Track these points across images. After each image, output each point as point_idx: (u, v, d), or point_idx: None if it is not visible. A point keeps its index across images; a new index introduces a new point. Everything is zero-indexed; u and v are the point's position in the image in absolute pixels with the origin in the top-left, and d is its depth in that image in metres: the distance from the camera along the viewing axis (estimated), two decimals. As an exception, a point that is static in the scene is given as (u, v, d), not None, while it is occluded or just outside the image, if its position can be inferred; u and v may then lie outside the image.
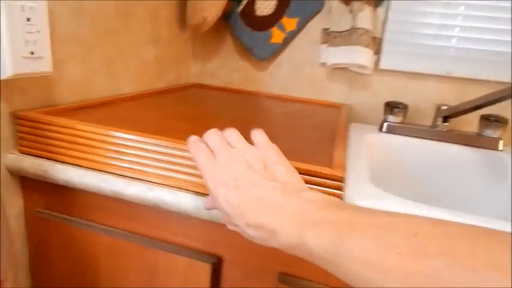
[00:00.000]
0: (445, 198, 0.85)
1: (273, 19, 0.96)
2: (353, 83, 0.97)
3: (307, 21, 0.96)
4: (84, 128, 0.49)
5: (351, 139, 0.80)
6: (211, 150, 0.37)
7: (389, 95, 0.95)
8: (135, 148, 0.47)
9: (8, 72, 0.47)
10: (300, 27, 0.96)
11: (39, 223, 0.55)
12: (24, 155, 0.51)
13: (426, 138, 0.86)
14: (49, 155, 0.51)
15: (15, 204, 0.54)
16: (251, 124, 0.69)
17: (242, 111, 0.78)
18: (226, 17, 0.98)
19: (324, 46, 0.96)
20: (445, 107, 0.84)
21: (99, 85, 0.68)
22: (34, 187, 0.54)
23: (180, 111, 0.70)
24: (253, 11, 0.96)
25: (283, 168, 0.36)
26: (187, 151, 0.43)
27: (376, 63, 0.93)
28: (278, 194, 0.32)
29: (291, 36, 0.97)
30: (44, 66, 0.52)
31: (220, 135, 0.38)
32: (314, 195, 0.32)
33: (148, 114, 0.63)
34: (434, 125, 0.86)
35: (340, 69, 0.96)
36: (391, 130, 0.88)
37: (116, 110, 0.63)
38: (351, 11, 0.89)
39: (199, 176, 0.45)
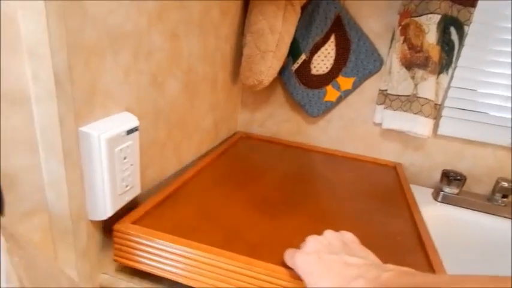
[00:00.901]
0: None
1: (328, 78, 0.94)
2: (407, 144, 0.96)
3: (364, 81, 0.94)
4: (189, 249, 0.48)
5: None
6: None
7: (443, 159, 0.94)
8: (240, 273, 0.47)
9: (108, 213, 0.48)
10: (356, 87, 0.94)
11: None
12: (119, 275, 0.53)
13: (482, 212, 0.86)
14: (146, 268, 0.51)
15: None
16: (311, 185, 0.72)
17: (296, 169, 0.79)
18: (279, 71, 0.96)
19: (380, 107, 0.94)
20: (505, 184, 0.83)
21: (171, 175, 0.69)
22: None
23: (240, 181, 0.71)
24: (308, 69, 0.94)
25: (358, 248, 0.43)
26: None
27: (434, 128, 0.91)
28: (352, 275, 0.37)
29: (345, 95, 0.95)
30: (135, 191, 0.53)
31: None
32: (392, 267, 0.38)
33: (217, 202, 0.64)
34: (491, 199, 0.86)
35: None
36: (446, 201, 0.87)
37: (191, 198, 0.64)
38: (412, 77, 0.87)
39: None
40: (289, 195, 0.69)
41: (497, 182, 0.84)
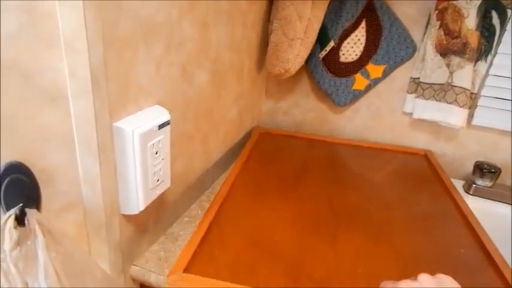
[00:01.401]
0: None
1: (357, 65, 0.90)
2: (438, 134, 0.92)
3: (394, 69, 0.90)
4: None
5: None
6: None
7: (476, 150, 0.90)
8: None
9: (140, 207, 0.48)
10: (386, 75, 0.91)
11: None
12: (149, 267, 0.54)
13: (517, 206, 0.82)
14: None
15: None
16: (352, 188, 0.69)
17: (330, 167, 0.77)
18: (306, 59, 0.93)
19: (411, 96, 0.90)
20: (544, 178, 0.79)
21: (197, 165, 0.69)
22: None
23: (278, 189, 0.68)
24: (337, 57, 0.90)
25: None
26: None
27: (468, 118, 0.87)
28: None
29: (375, 84, 0.92)
30: (166, 184, 0.53)
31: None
32: None
33: (265, 223, 0.61)
34: (528, 193, 0.82)
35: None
36: (478, 193, 0.84)
37: (236, 222, 0.61)
38: (447, 65, 0.83)
39: None
40: (335, 204, 0.65)
41: (535, 176, 0.80)
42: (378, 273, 0.48)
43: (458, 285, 0.38)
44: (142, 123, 0.44)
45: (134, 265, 0.54)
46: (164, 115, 0.49)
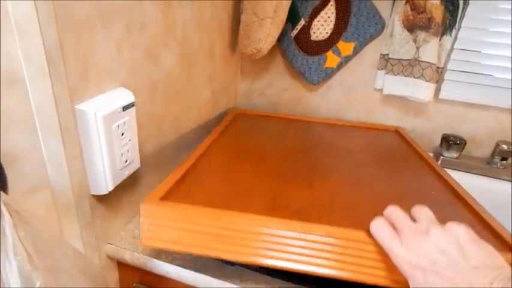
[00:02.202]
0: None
1: (328, 43, 0.92)
2: (408, 109, 0.95)
3: (364, 46, 0.91)
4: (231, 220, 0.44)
5: None
6: (396, 229, 0.38)
7: (444, 123, 0.93)
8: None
9: (109, 187, 0.49)
10: (356, 52, 0.92)
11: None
12: (123, 245, 0.56)
13: (481, 175, 0.86)
14: (186, 248, 0.45)
15: (113, 277, 0.60)
16: (325, 156, 0.71)
17: (304, 142, 0.79)
18: (278, 38, 0.94)
19: (381, 72, 0.92)
20: (504, 147, 0.83)
21: (169, 145, 0.70)
22: (130, 266, 0.59)
23: (255, 157, 0.69)
24: (308, 35, 0.91)
25: (477, 248, 0.34)
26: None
27: (436, 92, 0.90)
28: (486, 282, 0.31)
29: (346, 61, 0.93)
30: (135, 165, 0.54)
31: (402, 213, 0.39)
32: None
33: (243, 174, 0.60)
34: (491, 162, 0.86)
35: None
36: (446, 165, 0.88)
37: (214, 172, 0.60)
38: (414, 40, 0.85)
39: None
40: (310, 166, 0.67)
41: (497, 145, 0.84)
42: (352, 208, 0.51)
43: (474, 235, 0.35)
44: (105, 105, 0.45)
45: (109, 243, 0.56)
46: (128, 97, 0.50)
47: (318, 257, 0.42)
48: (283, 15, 0.85)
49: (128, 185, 0.58)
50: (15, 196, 0.40)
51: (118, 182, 0.51)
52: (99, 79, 0.47)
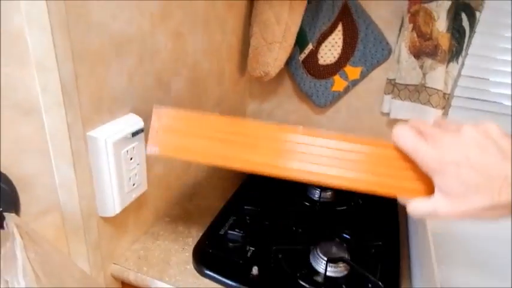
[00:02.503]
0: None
1: (335, 67, 0.93)
2: (415, 133, 0.95)
3: (371, 70, 0.93)
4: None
5: None
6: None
7: (452, 149, 0.93)
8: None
9: (117, 210, 0.51)
10: (364, 76, 0.93)
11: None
12: (128, 266, 0.57)
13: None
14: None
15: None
16: None
17: None
18: (286, 61, 0.96)
19: (388, 96, 0.93)
20: None
21: (178, 168, 0.72)
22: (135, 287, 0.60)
23: None
24: (316, 60, 0.93)
25: (510, 142, 0.33)
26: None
27: (443, 118, 0.90)
28: None
29: (353, 85, 0.95)
30: (142, 188, 0.56)
31: (425, 122, 0.38)
32: None
33: None
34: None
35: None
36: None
37: None
38: (421, 67, 0.85)
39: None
40: None
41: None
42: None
43: (504, 131, 0.34)
44: (115, 132, 0.47)
45: (114, 264, 0.57)
46: (138, 123, 0.52)
47: (333, 166, 0.40)
48: (291, 40, 0.87)
49: (135, 206, 0.59)
50: (26, 218, 0.42)
51: (125, 205, 0.52)
52: (111, 106, 0.49)
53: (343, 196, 0.80)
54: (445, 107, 0.89)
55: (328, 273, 0.57)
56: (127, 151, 0.49)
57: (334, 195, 0.80)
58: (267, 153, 0.41)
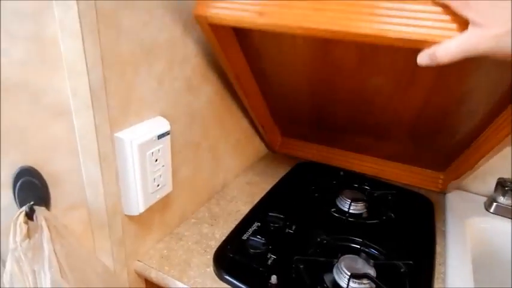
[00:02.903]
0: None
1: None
2: (459, 147, 0.89)
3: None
4: None
5: (451, 211, 0.78)
6: None
7: (502, 166, 0.85)
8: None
9: (140, 209, 0.53)
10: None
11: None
12: (151, 264, 0.59)
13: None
14: None
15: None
16: None
17: None
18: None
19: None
20: None
21: (205, 170, 0.73)
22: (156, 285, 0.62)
23: None
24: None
25: None
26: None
27: (492, 131, 0.83)
28: None
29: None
30: (167, 189, 0.58)
31: None
32: None
33: None
34: (556, 214, 0.77)
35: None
36: (500, 212, 0.80)
37: None
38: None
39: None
40: None
41: None
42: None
43: None
44: (141, 134, 0.49)
45: (138, 261, 0.59)
46: (164, 126, 0.53)
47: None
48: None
49: (160, 207, 0.61)
50: (56, 212, 0.45)
51: (149, 205, 0.54)
52: (139, 109, 0.51)
53: (374, 209, 0.76)
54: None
55: (352, 290, 0.55)
56: (152, 153, 0.51)
57: (366, 207, 0.77)
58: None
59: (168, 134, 0.54)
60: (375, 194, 0.82)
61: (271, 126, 0.97)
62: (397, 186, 0.88)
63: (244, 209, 0.74)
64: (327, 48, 0.60)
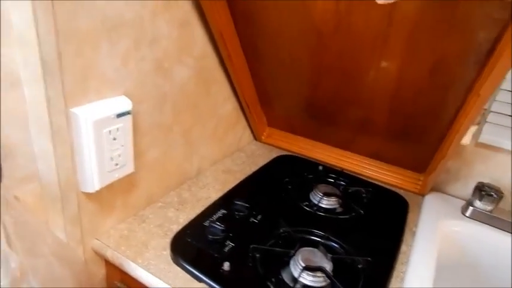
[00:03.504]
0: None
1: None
2: (442, 149, 0.87)
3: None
4: None
5: (426, 212, 0.77)
6: None
7: (483, 170, 0.84)
8: None
9: (96, 187, 0.53)
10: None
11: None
12: (108, 243, 0.59)
13: (516, 235, 0.75)
14: None
15: (100, 271, 0.63)
16: None
17: None
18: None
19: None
20: (550, 207, 0.72)
21: (176, 155, 0.73)
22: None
23: None
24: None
25: None
26: None
27: (476, 135, 0.81)
28: None
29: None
30: (127, 169, 0.58)
31: None
32: None
33: None
34: (532, 222, 0.75)
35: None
36: (475, 217, 0.79)
37: None
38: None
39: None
40: None
41: (541, 204, 0.73)
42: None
43: None
44: (99, 111, 0.49)
45: (96, 239, 0.60)
46: (126, 105, 0.53)
47: None
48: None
49: (124, 187, 0.61)
50: (9, 183, 0.45)
51: (106, 183, 0.54)
52: (100, 87, 0.51)
53: (347, 205, 0.75)
54: (480, 123, 0.80)
55: (305, 282, 0.54)
56: (110, 131, 0.51)
57: (339, 202, 0.76)
58: None
59: (129, 113, 0.53)
60: (350, 190, 0.81)
61: (258, 112, 0.97)
62: (374, 184, 0.87)
63: (215, 197, 0.74)
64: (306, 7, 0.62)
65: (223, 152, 0.90)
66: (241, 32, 0.75)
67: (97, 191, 0.54)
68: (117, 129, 0.52)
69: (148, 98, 0.60)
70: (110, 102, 0.52)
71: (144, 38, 0.55)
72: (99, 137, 0.50)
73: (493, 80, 0.55)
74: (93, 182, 0.52)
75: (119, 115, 0.52)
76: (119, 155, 0.54)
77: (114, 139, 0.52)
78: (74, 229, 0.54)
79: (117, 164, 0.54)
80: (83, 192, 0.53)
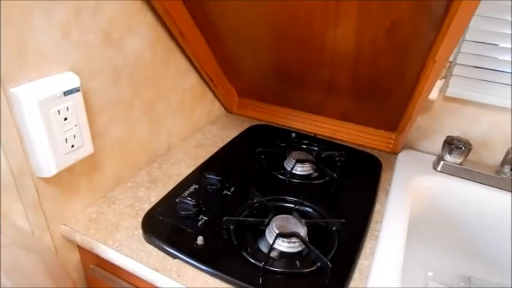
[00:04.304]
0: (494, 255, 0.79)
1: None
2: (412, 106, 0.87)
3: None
4: None
5: (398, 170, 0.78)
6: None
7: (452, 124, 0.84)
8: None
9: (52, 171, 0.50)
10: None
11: (93, 278, 0.62)
12: (76, 228, 0.57)
13: (487, 185, 0.77)
14: None
15: (73, 257, 0.61)
16: None
17: None
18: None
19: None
20: (517, 154, 0.74)
21: (141, 132, 0.70)
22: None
23: None
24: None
25: None
26: None
27: (443, 89, 0.81)
28: None
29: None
30: (86, 150, 0.54)
31: None
32: None
33: None
34: (500, 171, 0.77)
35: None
36: (447, 171, 0.80)
37: None
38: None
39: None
40: None
41: (508, 153, 0.75)
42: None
43: None
44: (42, 90, 0.45)
45: (64, 225, 0.57)
46: (73, 82, 0.49)
47: None
48: None
49: (86, 169, 0.58)
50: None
51: (64, 166, 0.51)
52: (39, 63, 0.47)
53: (321, 170, 0.75)
54: (446, 77, 0.80)
55: (281, 248, 0.54)
56: (58, 111, 0.47)
57: (313, 168, 0.76)
58: None
59: (78, 90, 0.50)
60: (323, 155, 0.80)
61: (225, 84, 0.93)
62: (347, 146, 0.87)
63: (187, 172, 0.72)
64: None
65: (193, 127, 0.88)
66: (193, 11, 0.70)
67: (55, 175, 0.51)
68: (67, 108, 0.49)
69: (99, 73, 0.56)
70: (54, 80, 0.48)
71: (85, 6, 0.51)
72: (47, 118, 0.46)
73: (448, 45, 0.53)
74: (48, 166, 0.49)
75: (66, 93, 0.48)
76: (74, 136, 0.51)
77: (65, 119, 0.49)
78: (37, 216, 0.51)
79: (73, 146, 0.51)
80: (39, 177, 0.50)
